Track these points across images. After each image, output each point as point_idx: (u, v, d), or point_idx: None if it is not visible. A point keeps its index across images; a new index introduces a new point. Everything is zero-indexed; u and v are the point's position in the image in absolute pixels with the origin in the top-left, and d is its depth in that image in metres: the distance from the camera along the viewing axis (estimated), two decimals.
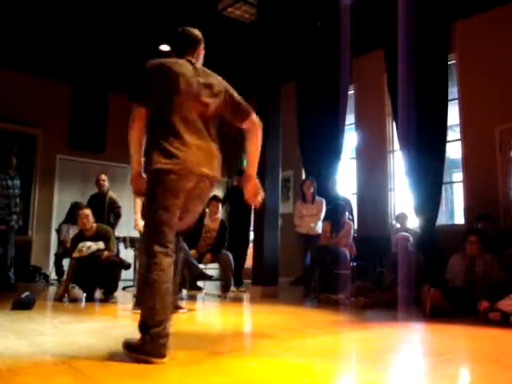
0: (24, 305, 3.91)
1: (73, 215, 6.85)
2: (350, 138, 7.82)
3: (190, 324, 3.67)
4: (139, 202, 4.20)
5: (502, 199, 5.66)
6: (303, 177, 7.76)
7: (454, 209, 7.71)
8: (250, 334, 3.00)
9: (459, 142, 6.26)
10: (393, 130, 6.94)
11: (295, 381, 1.91)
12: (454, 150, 6.73)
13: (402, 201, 6.85)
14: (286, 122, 6.53)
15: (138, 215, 4.29)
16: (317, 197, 6.36)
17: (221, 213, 6.11)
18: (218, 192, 9.66)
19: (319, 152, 7.33)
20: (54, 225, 6.99)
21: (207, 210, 5.66)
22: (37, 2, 6.13)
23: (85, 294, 5.05)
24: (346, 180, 7.67)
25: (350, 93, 7.39)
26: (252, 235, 6.34)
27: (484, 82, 5.93)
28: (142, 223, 3.97)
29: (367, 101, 7.32)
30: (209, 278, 5.39)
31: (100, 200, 6.33)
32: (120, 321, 3.77)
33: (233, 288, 5.88)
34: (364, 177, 7.28)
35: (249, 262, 6.67)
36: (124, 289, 6.21)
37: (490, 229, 5.01)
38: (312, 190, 6.32)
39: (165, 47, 7.58)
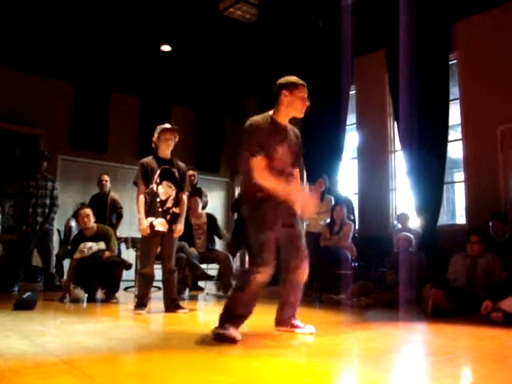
0: (26, 305, 3.92)
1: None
2: (352, 138, 7.82)
3: (192, 324, 3.68)
4: (143, 200, 3.97)
5: (503, 199, 5.65)
6: (304, 177, 7.76)
7: (456, 209, 7.70)
8: (252, 334, 3.00)
9: (460, 142, 6.26)
10: (394, 129, 6.93)
11: (297, 381, 1.91)
12: (455, 150, 6.72)
13: (404, 201, 6.85)
14: None
15: (142, 215, 3.94)
16: (326, 195, 6.42)
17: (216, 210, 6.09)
18: (220, 192, 9.69)
19: (320, 152, 7.33)
20: (56, 225, 6.99)
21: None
22: (39, 2, 6.14)
23: (86, 295, 5.06)
24: (347, 180, 7.67)
25: (351, 93, 7.38)
26: None
27: (485, 82, 5.92)
28: (146, 223, 3.95)
29: (368, 101, 7.31)
30: (210, 278, 5.39)
31: (102, 200, 6.33)
32: (122, 321, 3.77)
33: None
34: (365, 177, 7.28)
35: None
36: (126, 289, 6.22)
37: (501, 229, 4.97)
38: (323, 189, 6.39)
39: (166, 48, 7.60)
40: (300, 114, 2.95)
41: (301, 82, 2.93)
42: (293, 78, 2.94)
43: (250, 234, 2.85)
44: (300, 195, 2.95)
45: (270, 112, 2.96)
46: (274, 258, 2.78)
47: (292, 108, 2.90)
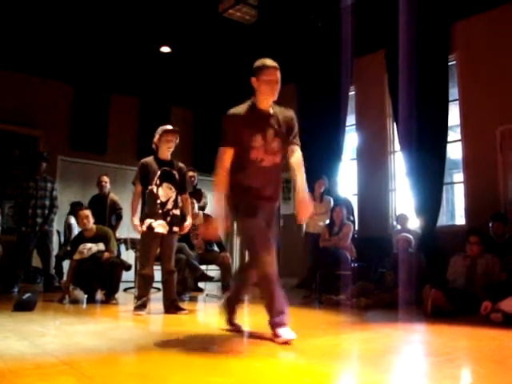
0: (25, 306, 3.92)
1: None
2: (351, 139, 7.82)
3: (192, 325, 3.68)
4: (137, 201, 4.09)
5: (503, 200, 5.65)
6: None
7: (455, 209, 7.70)
8: (251, 335, 3.00)
9: (460, 143, 6.26)
10: (393, 130, 6.93)
11: (297, 382, 1.91)
12: (454, 151, 6.73)
13: (403, 201, 6.85)
14: None
15: (135, 217, 4.08)
16: (325, 196, 6.44)
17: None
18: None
19: (320, 153, 7.33)
20: (56, 226, 7.00)
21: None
22: (39, 3, 6.15)
23: (86, 296, 5.05)
24: (346, 181, 7.67)
25: (350, 94, 7.39)
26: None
27: (484, 83, 5.93)
28: (136, 221, 4.03)
29: (368, 102, 7.31)
30: (210, 279, 5.38)
31: (101, 201, 6.33)
32: (122, 322, 3.77)
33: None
34: (365, 178, 7.28)
35: None
36: (125, 290, 6.22)
37: (501, 230, 4.95)
38: (322, 190, 6.43)
39: (165, 49, 7.60)
40: (271, 97, 2.81)
41: (265, 64, 2.79)
42: (259, 62, 2.81)
43: (239, 227, 2.83)
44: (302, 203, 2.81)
45: (252, 98, 2.86)
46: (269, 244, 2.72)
47: (262, 93, 2.79)
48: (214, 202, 2.86)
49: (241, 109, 2.82)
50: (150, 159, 4.13)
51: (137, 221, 4.04)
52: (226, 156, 2.76)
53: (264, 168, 2.82)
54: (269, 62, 2.80)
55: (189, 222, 4.24)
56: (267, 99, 2.82)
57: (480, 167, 5.90)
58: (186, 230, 4.25)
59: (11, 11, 6.26)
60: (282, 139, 2.88)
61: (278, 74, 2.80)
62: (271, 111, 2.87)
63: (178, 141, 4.18)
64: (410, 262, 5.04)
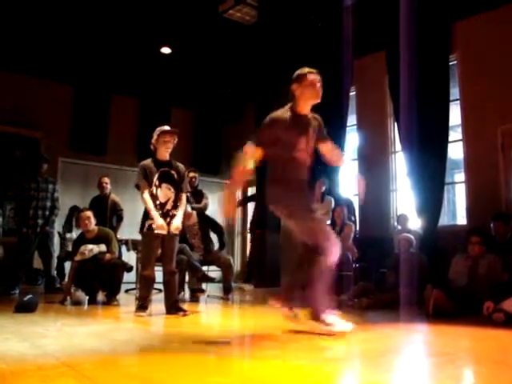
0: (27, 307, 3.92)
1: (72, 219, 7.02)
2: (352, 139, 7.81)
3: (193, 326, 3.67)
4: (149, 197, 3.92)
5: (504, 199, 5.64)
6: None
7: (456, 209, 7.69)
8: (252, 336, 3.00)
9: (461, 143, 6.25)
10: (394, 131, 6.93)
11: (297, 382, 1.90)
12: (455, 151, 6.72)
13: (404, 202, 6.84)
14: None
15: (155, 211, 3.90)
16: (326, 196, 6.43)
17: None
18: (220, 194, 9.69)
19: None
20: (57, 227, 7.00)
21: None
22: (39, 4, 6.15)
23: (87, 297, 5.05)
24: (347, 181, 7.66)
25: (351, 94, 7.38)
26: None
27: (485, 83, 5.92)
28: (162, 221, 3.91)
29: (369, 102, 7.31)
30: (211, 280, 5.38)
31: (102, 203, 6.32)
32: (123, 323, 3.77)
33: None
34: (366, 178, 7.21)
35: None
36: (127, 291, 6.21)
37: (503, 229, 4.94)
38: (322, 190, 6.40)
39: (166, 50, 7.60)
40: (316, 99, 3.06)
41: (307, 70, 3.06)
42: (301, 70, 3.07)
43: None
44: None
45: (290, 104, 3.07)
46: None
47: (305, 97, 3.02)
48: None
49: (281, 113, 3.03)
50: (147, 161, 4.11)
51: (162, 220, 3.89)
52: (251, 151, 2.92)
53: (305, 170, 3.23)
54: (306, 68, 3.10)
55: (178, 220, 4.02)
56: (307, 104, 3.07)
57: (481, 167, 5.89)
58: (177, 230, 4.02)
59: (11, 12, 6.27)
60: (318, 137, 3.21)
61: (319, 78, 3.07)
62: (309, 115, 3.13)
63: (176, 141, 4.16)
64: (412, 262, 5.03)
